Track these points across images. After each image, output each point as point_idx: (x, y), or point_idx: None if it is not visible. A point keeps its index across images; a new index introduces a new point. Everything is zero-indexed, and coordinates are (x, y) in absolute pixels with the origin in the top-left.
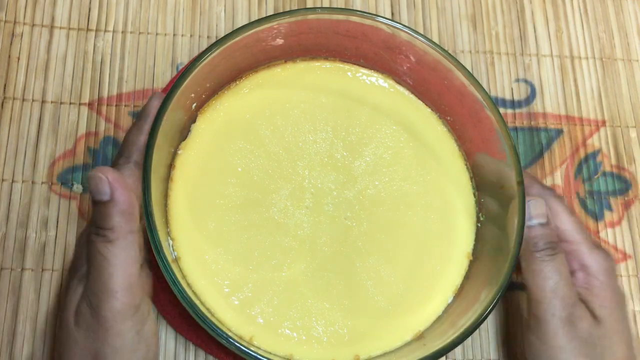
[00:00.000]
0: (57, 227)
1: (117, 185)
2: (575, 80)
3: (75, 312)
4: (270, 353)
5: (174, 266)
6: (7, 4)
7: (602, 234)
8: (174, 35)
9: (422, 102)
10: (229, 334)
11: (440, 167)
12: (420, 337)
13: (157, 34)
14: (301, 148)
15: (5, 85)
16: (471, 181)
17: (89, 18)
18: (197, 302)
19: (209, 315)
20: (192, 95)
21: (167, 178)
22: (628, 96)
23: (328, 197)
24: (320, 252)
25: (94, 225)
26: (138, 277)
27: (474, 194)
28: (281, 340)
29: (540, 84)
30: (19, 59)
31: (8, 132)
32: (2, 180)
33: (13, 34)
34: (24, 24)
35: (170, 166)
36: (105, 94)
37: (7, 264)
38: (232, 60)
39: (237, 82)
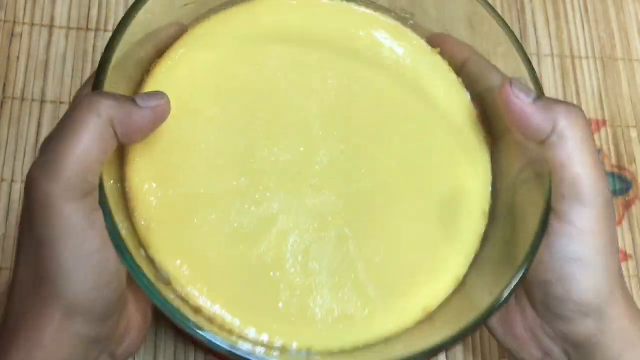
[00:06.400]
0: None
1: None
2: (575, 80)
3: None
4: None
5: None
6: (7, 3)
7: None
8: None
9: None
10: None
11: (462, 151)
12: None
13: None
14: (317, 92)
15: (4, 85)
16: (490, 185)
17: (88, 18)
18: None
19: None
20: None
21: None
22: (629, 96)
23: (326, 152)
24: (277, 190)
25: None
26: (97, 164)
27: (490, 193)
28: (194, 295)
29: (541, 83)
30: (18, 58)
31: (8, 132)
32: (2, 180)
33: (12, 33)
34: (24, 23)
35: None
36: None
37: (7, 264)
38: None
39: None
